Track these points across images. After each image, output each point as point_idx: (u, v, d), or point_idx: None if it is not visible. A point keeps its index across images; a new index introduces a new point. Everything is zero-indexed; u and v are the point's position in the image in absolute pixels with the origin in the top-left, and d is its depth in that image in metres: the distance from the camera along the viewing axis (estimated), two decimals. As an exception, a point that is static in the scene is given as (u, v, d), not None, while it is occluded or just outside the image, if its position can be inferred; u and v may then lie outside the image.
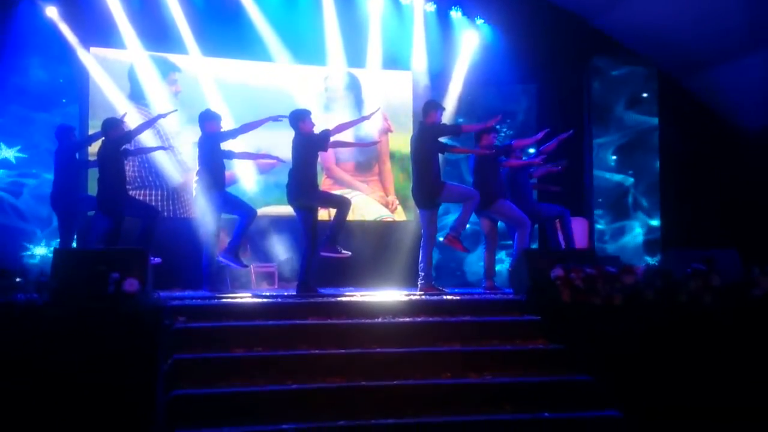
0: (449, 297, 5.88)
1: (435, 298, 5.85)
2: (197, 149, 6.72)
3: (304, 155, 6.46)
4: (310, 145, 6.48)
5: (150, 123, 7.21)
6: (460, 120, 9.43)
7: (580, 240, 8.24)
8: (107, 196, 6.68)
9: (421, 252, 6.58)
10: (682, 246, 8.04)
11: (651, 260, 8.75)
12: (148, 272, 4.94)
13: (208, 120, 6.71)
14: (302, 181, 6.41)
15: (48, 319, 4.34)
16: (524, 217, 6.78)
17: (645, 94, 9.23)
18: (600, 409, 4.46)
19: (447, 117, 9.23)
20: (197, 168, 6.68)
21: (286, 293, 6.51)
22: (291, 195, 6.45)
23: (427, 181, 6.52)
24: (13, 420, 4.24)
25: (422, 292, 6.31)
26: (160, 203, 8.40)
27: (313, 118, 6.67)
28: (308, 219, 6.45)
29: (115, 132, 6.80)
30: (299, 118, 6.53)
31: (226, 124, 8.15)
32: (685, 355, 5.05)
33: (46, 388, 4.30)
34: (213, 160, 6.60)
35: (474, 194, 6.56)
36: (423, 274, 6.50)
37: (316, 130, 6.63)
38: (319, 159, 6.79)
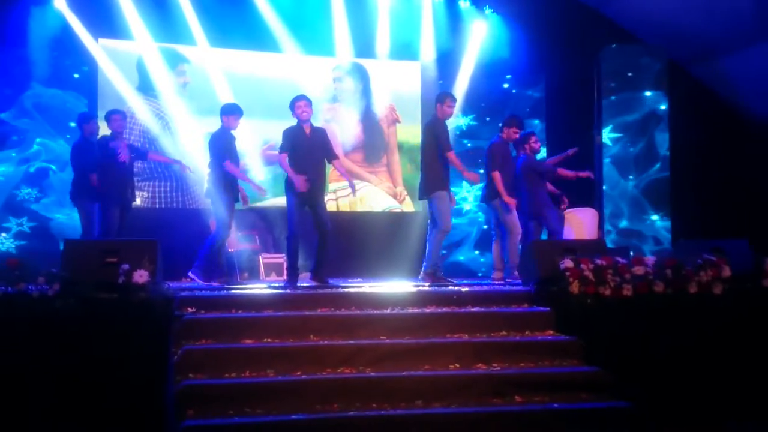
0: (458, 288, 5.88)
1: (443, 289, 5.85)
2: (210, 141, 6.68)
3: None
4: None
5: (141, 156, 7.22)
6: (470, 114, 9.43)
7: (589, 231, 8.22)
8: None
9: (428, 242, 6.59)
10: (693, 236, 8.00)
11: (661, 251, 8.71)
12: (158, 263, 4.95)
13: (228, 114, 6.65)
14: (323, 172, 6.46)
15: (59, 310, 4.36)
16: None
17: (655, 84, 9.17)
18: (609, 400, 4.45)
19: (455, 108, 9.19)
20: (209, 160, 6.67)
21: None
22: (316, 187, 6.37)
23: (423, 175, 6.58)
24: (25, 408, 4.27)
25: (429, 282, 6.31)
26: (168, 194, 8.44)
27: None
28: (324, 205, 6.46)
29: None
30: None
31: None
32: (695, 345, 5.04)
33: (56, 379, 4.33)
34: (226, 155, 6.59)
35: (444, 226, 6.46)
36: (427, 263, 6.53)
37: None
38: None
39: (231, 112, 6.65)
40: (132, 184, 7.02)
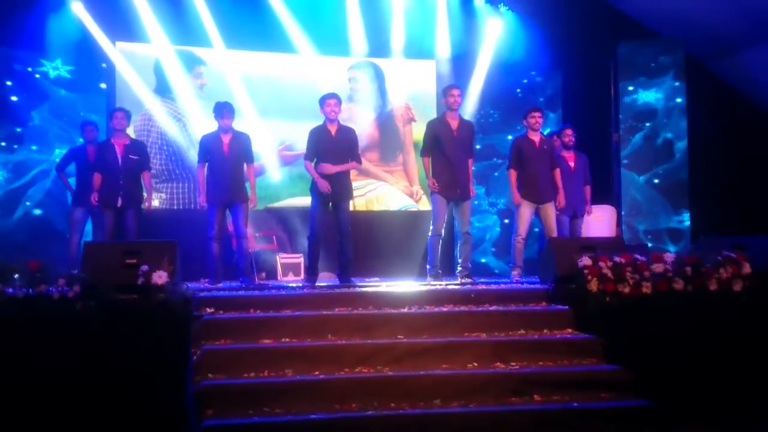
0: (476, 286, 5.86)
1: (461, 287, 5.84)
2: (245, 143, 6.68)
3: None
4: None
5: (143, 163, 6.99)
6: (486, 111, 9.40)
7: (608, 228, 8.18)
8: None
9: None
10: (713, 233, 7.92)
11: (680, 248, 8.64)
12: (177, 264, 4.98)
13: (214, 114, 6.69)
14: (348, 173, 6.47)
15: (79, 311, 4.40)
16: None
17: (672, 79, 9.09)
18: (629, 399, 4.42)
19: (471, 106, 9.20)
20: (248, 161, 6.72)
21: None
22: (341, 189, 6.39)
23: None
24: (44, 408, 4.31)
25: (460, 282, 6.32)
26: (187, 195, 8.50)
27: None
28: (348, 209, 6.48)
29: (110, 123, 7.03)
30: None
31: (251, 116, 8.17)
32: (715, 343, 4.99)
33: (76, 379, 4.36)
34: (199, 158, 6.72)
35: (432, 228, 6.55)
36: (461, 265, 6.61)
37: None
38: None
39: (214, 111, 6.65)
40: (128, 186, 6.78)
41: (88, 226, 7.57)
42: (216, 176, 6.54)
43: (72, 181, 7.63)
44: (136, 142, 7.11)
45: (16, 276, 4.45)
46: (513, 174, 6.91)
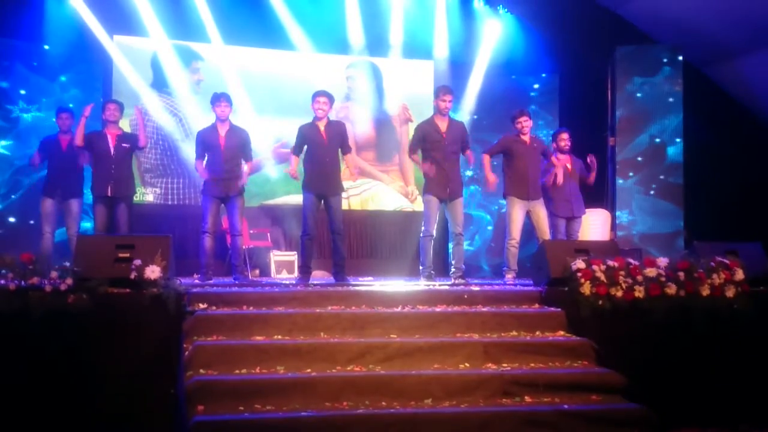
0: (469, 287, 5.86)
1: (454, 288, 5.84)
2: (244, 138, 6.57)
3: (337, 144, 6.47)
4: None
5: (133, 146, 6.96)
6: (482, 113, 9.40)
7: (602, 232, 8.19)
8: None
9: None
10: (707, 239, 7.94)
11: (674, 253, 8.66)
12: (171, 259, 4.96)
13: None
14: (338, 169, 6.43)
15: (71, 304, 4.38)
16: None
17: (669, 85, 9.12)
18: (620, 402, 4.43)
19: (468, 107, 9.23)
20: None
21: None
22: (331, 184, 6.38)
23: None
24: (36, 401, 4.30)
25: (453, 283, 6.31)
26: (181, 191, 8.49)
27: (336, 107, 6.64)
28: (339, 207, 6.46)
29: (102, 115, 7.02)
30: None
31: (248, 113, 8.17)
32: (707, 348, 5.00)
33: (68, 373, 4.35)
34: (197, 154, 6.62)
35: (424, 230, 6.55)
36: (454, 267, 6.60)
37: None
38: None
39: (211, 101, 6.56)
40: (119, 176, 6.73)
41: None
42: (213, 168, 6.45)
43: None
44: (128, 134, 7.09)
45: (7, 268, 4.42)
46: (487, 158, 6.95)
